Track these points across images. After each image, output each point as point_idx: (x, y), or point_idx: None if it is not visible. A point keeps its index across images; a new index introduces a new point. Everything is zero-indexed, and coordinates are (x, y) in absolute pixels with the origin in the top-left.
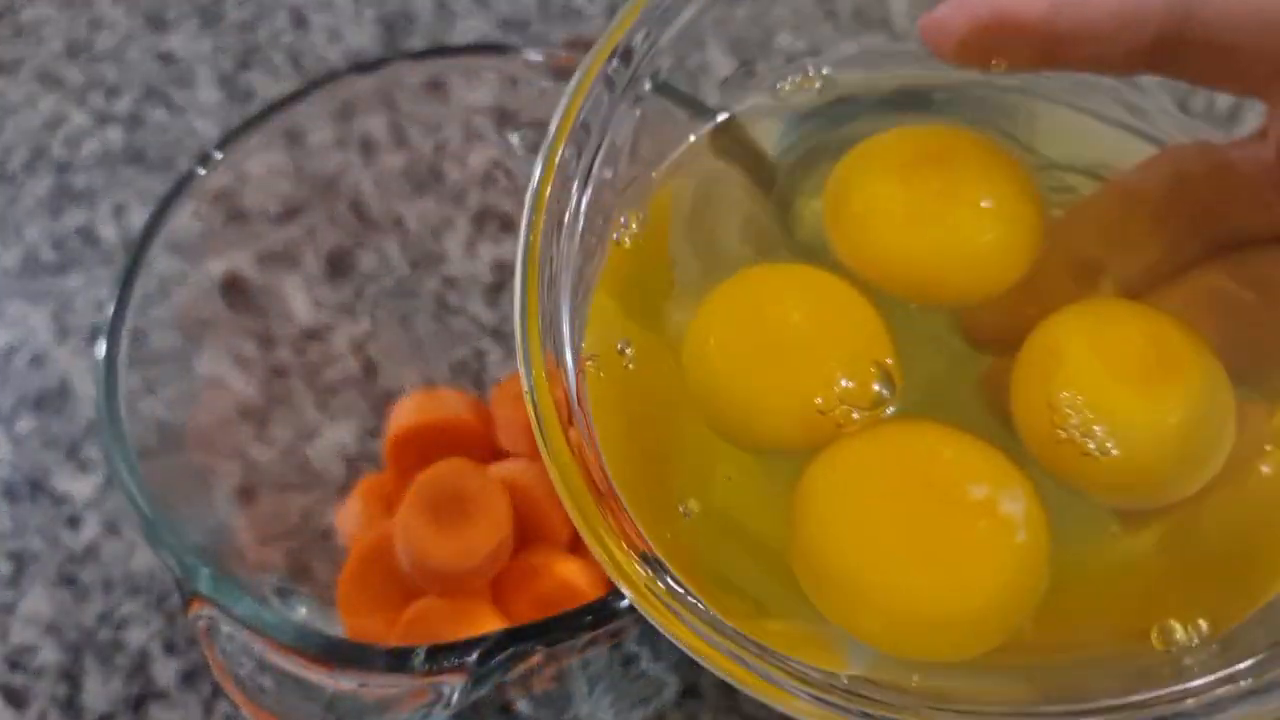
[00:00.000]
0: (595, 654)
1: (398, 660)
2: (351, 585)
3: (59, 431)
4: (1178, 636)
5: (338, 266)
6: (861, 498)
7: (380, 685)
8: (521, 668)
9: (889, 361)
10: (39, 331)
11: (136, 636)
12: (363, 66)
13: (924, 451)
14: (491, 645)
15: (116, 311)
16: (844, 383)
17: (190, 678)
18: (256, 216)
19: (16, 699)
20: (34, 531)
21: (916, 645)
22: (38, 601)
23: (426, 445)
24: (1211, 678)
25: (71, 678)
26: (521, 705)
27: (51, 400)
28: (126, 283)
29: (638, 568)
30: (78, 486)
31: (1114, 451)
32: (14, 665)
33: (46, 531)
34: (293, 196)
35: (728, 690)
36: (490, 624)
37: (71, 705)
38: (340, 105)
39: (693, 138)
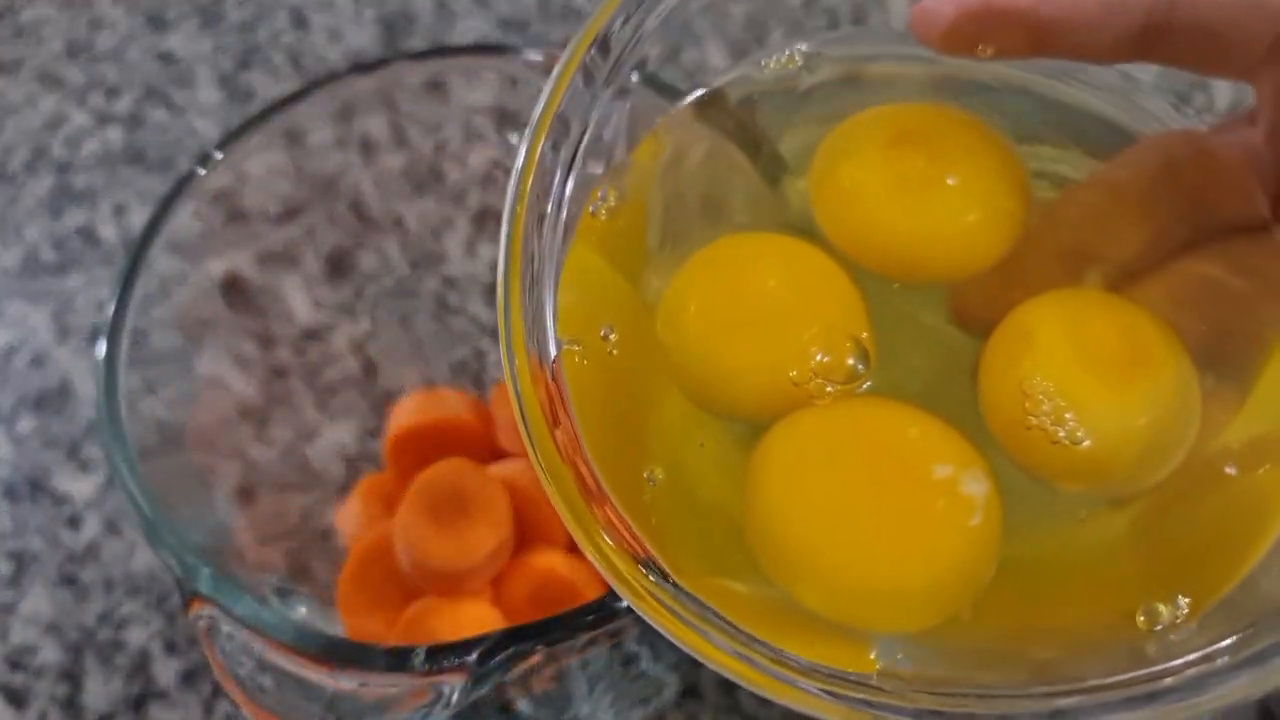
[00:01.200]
0: (595, 654)
1: (398, 660)
2: (351, 585)
3: (59, 431)
4: (1161, 616)
5: (338, 266)
6: (812, 466)
7: (380, 685)
8: (521, 667)
9: (865, 337)
10: (39, 331)
11: (137, 636)
12: (363, 67)
13: (881, 427)
14: (491, 645)
15: (117, 311)
16: (819, 356)
17: (190, 677)
18: (256, 217)
19: (17, 699)
20: (34, 531)
21: (853, 614)
22: (38, 601)
23: (426, 445)
24: (1192, 656)
25: (72, 677)
26: (521, 705)
27: (52, 400)
28: (127, 283)
29: (635, 571)
30: (78, 486)
31: (1085, 442)
32: (14, 665)
33: (47, 531)
34: (293, 197)
35: (727, 690)
36: (490, 624)
37: (72, 705)
38: (340, 105)
39: (674, 108)
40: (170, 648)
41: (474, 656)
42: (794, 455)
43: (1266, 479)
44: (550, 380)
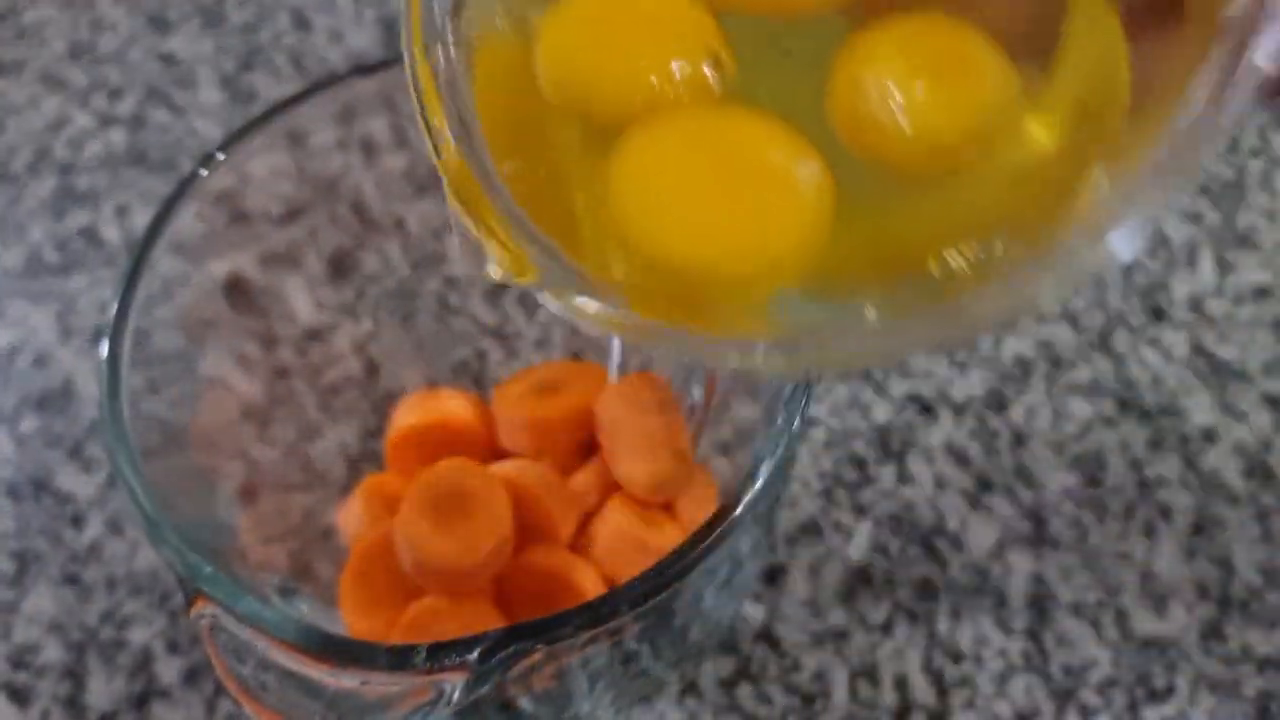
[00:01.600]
0: (595, 652)
1: (399, 658)
2: (353, 584)
3: (62, 431)
4: (953, 265)
5: (339, 267)
6: (657, 161)
7: (382, 683)
8: (522, 665)
9: (721, 51)
10: (42, 332)
11: (139, 635)
12: (364, 68)
13: (726, 126)
14: (492, 643)
15: (119, 312)
16: (677, 65)
17: (193, 676)
18: (259, 218)
19: (20, 698)
20: (37, 531)
21: (693, 294)
22: (41, 600)
23: (428, 445)
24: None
25: (75, 676)
26: (523, 702)
27: (55, 400)
28: (129, 283)
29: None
30: (81, 486)
31: (912, 129)
32: (17, 664)
33: (50, 531)
34: (295, 198)
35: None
36: (491, 622)
37: (74, 704)
38: (342, 107)
39: None
40: (173, 647)
41: (475, 655)
42: (642, 153)
43: (1064, 160)
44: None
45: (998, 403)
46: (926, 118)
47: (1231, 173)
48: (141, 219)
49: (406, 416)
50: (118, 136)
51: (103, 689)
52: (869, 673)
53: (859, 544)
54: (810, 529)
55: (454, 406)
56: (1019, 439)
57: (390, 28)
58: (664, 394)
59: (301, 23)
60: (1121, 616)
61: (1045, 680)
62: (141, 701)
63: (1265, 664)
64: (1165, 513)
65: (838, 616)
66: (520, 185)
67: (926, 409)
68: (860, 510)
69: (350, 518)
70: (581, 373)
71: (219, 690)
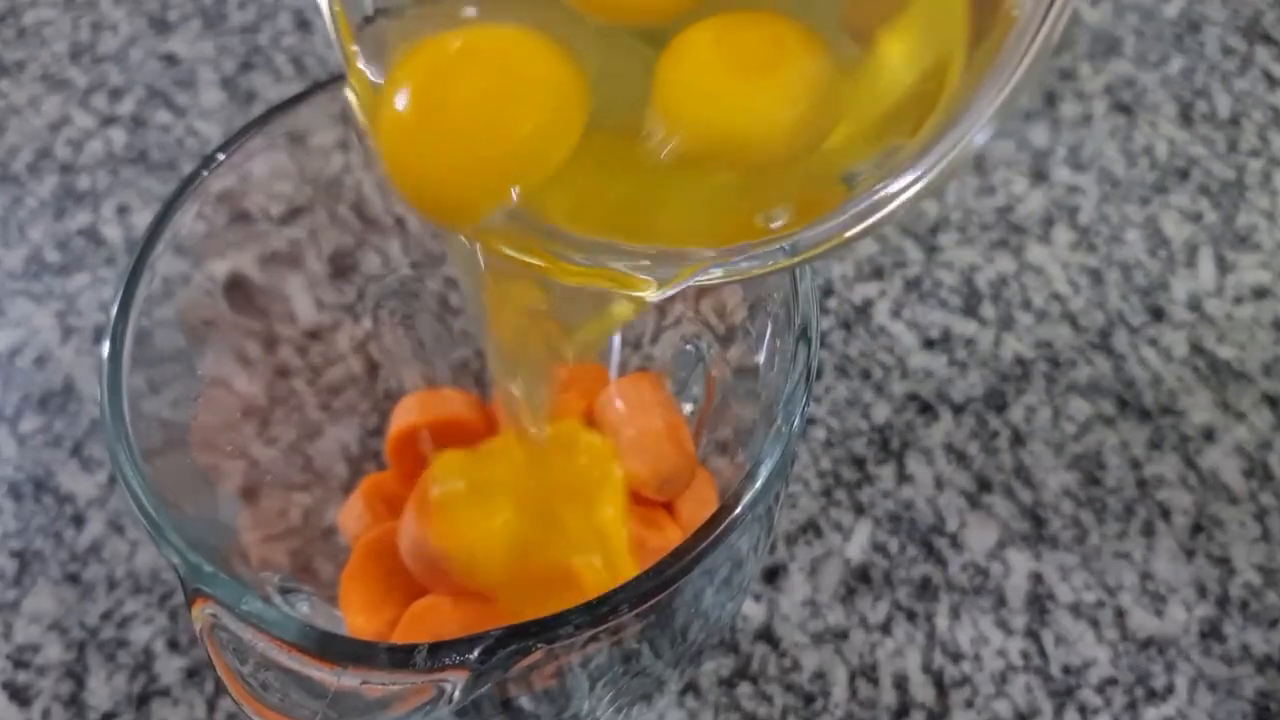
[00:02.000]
0: (595, 651)
1: (400, 657)
2: (354, 583)
3: (63, 431)
4: (764, 222)
5: (340, 267)
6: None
7: (383, 682)
8: (523, 664)
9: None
10: (43, 331)
11: (140, 634)
12: None
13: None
14: (493, 642)
15: (120, 312)
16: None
17: (193, 675)
18: (259, 217)
19: (21, 696)
20: (38, 530)
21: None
22: (42, 599)
23: (428, 444)
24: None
25: (75, 675)
26: (523, 701)
27: (55, 400)
28: (130, 283)
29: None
30: (81, 486)
31: (712, 130)
32: (18, 663)
33: (50, 530)
34: (295, 198)
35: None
36: (492, 621)
37: (75, 702)
38: (342, 107)
39: None
40: (173, 646)
41: (476, 654)
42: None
43: (923, 101)
44: None
45: (997, 402)
46: (738, 127)
47: (1231, 173)
48: (142, 219)
49: (407, 416)
50: (118, 137)
51: (103, 688)
52: (868, 672)
53: (858, 543)
54: (810, 528)
55: (454, 406)
56: (1018, 438)
57: None
58: (664, 393)
59: (302, 24)
60: (1121, 616)
61: (1045, 680)
62: (142, 701)
63: (1265, 664)
64: (1165, 512)
65: (837, 616)
66: None
67: (926, 409)
68: (860, 510)
69: (351, 517)
70: (581, 373)
71: (219, 689)
